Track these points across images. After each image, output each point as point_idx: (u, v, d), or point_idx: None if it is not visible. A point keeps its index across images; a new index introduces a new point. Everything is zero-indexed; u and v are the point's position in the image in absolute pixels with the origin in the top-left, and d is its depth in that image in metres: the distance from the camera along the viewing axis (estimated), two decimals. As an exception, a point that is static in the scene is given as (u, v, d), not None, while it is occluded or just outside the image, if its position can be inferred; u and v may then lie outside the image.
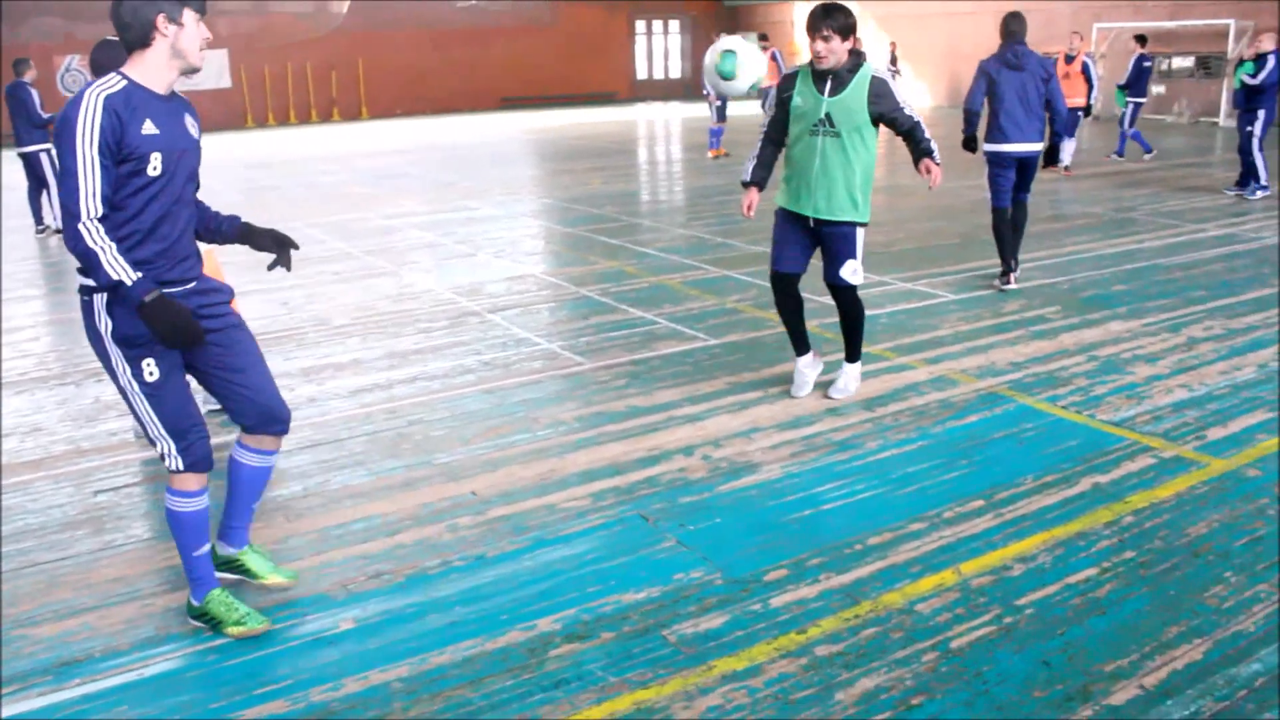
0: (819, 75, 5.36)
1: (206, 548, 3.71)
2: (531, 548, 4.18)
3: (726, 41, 5.76)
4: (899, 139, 5.49)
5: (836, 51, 5.25)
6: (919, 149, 5.42)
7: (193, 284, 3.53)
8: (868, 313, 7.32)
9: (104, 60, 5.39)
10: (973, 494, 4.50)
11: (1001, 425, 5.29)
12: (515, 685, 3.28)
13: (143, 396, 3.47)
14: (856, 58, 5.31)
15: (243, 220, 3.85)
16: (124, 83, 3.32)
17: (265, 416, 3.70)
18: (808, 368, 5.87)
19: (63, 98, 23.57)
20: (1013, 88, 7.79)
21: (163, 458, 3.56)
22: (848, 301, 5.71)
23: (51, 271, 10.81)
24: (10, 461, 5.37)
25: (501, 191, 15.08)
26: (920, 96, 28.71)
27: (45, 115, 12.41)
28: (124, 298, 3.26)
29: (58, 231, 11.56)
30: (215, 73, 31.33)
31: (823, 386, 5.84)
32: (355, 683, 3.33)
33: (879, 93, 5.31)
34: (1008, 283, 8.00)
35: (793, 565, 3.94)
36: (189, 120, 3.51)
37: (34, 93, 12.62)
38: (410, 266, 9.88)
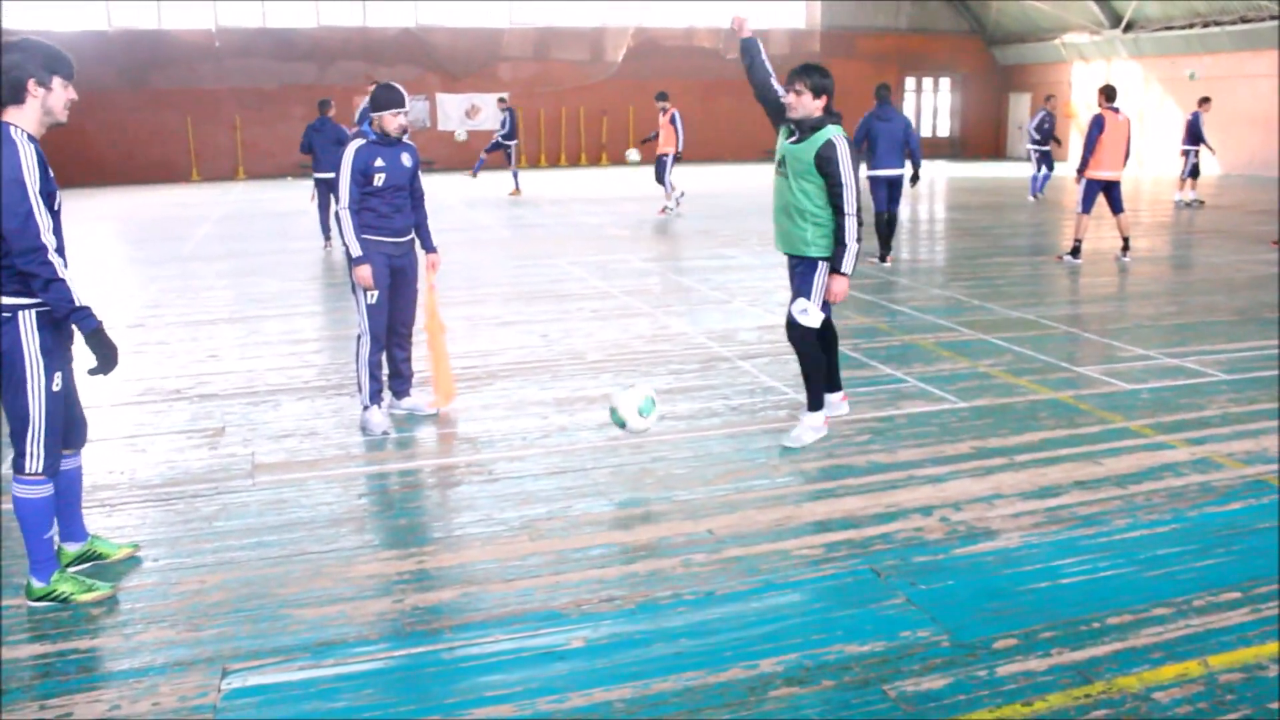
0: (794, 123, 5.76)
1: (52, 532, 4.19)
2: (761, 590, 4.24)
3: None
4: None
5: (805, 106, 5.67)
6: (835, 247, 5.76)
7: None
8: (1126, 386, 7.08)
9: (380, 99, 6.14)
10: (1228, 584, 4.25)
11: (1269, 516, 4.96)
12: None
13: (44, 403, 3.99)
14: (827, 118, 5.67)
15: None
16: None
17: None
18: (833, 405, 6.35)
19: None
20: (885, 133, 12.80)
21: (23, 456, 4.02)
22: (795, 341, 5.97)
23: (335, 289, 11.66)
24: (290, 460, 5.87)
25: (759, 241, 15.25)
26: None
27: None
28: (82, 319, 3.91)
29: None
30: (496, 115, 33.04)
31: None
32: (580, 697, 3.48)
33: (824, 155, 5.60)
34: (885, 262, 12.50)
35: (1024, 636, 3.84)
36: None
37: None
38: (665, 309, 10.15)
